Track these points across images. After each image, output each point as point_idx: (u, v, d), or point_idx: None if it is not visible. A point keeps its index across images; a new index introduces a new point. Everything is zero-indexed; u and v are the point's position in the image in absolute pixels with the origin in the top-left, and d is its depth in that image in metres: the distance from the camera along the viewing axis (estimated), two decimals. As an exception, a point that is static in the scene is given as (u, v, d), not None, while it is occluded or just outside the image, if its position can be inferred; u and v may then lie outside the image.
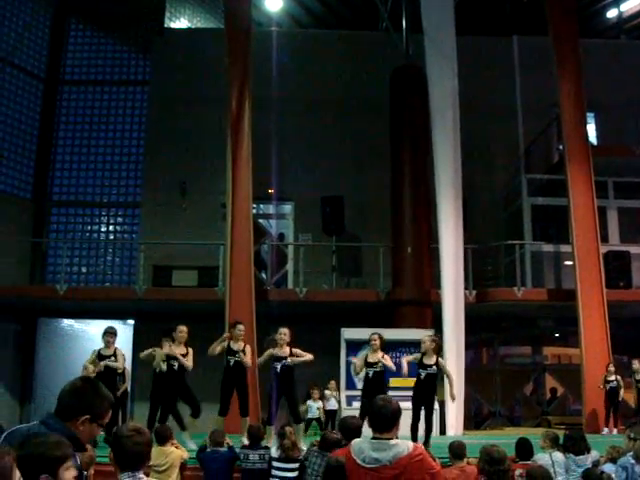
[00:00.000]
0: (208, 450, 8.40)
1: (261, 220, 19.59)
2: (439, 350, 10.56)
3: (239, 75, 15.85)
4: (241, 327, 10.52)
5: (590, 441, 8.08)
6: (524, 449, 7.35)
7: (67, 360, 18.17)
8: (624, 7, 22.72)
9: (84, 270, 20.57)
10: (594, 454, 7.84)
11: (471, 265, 16.56)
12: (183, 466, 8.38)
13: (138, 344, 18.33)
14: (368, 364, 10.45)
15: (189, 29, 23.33)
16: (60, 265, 18.84)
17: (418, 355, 10.36)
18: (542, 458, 7.57)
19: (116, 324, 19.97)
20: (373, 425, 4.15)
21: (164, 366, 10.40)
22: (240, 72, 15.87)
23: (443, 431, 13.61)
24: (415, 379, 10.30)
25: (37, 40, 21.72)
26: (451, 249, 14.89)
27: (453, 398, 10.75)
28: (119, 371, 11.25)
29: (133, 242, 20.46)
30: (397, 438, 4.16)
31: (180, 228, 18.91)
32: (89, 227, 21.36)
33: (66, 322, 20.56)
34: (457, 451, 7.25)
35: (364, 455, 4.04)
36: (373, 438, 4.11)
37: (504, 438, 10.65)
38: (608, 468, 7.12)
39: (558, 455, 7.66)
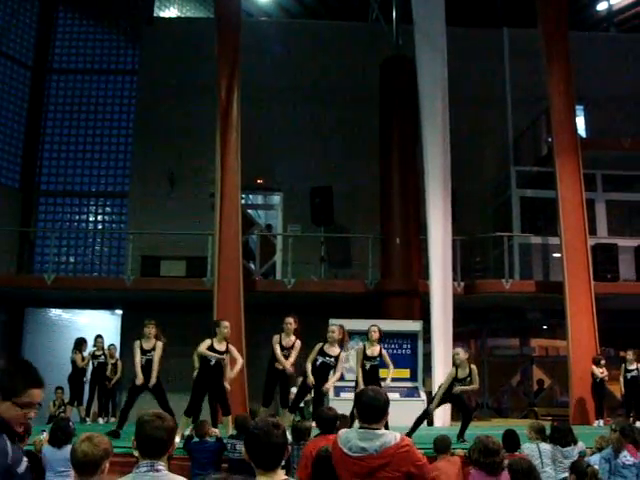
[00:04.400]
0: (195, 440, 8.38)
1: (249, 211, 19.53)
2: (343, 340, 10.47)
3: (228, 65, 15.79)
4: (290, 320, 10.25)
5: (577, 433, 8.13)
6: (511, 440, 7.39)
7: (55, 350, 18.12)
8: (614, 0, 22.74)
9: (72, 260, 20.50)
10: (580, 445, 7.90)
11: (459, 256, 16.57)
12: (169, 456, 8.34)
13: (126, 334, 18.34)
14: (367, 357, 10.31)
15: (179, 18, 23.20)
16: (48, 255, 18.82)
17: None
18: (529, 448, 7.63)
19: (104, 314, 20.16)
20: (362, 416, 4.13)
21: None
22: (229, 62, 15.81)
23: (430, 422, 13.62)
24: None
25: (25, 28, 21.56)
26: (439, 240, 14.90)
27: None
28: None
29: (121, 232, 20.38)
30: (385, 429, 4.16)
31: (169, 218, 18.83)
32: (77, 217, 21.25)
33: (54, 312, 20.51)
34: (441, 445, 7.46)
35: (350, 444, 4.04)
36: (361, 428, 4.10)
37: (491, 429, 10.68)
38: (594, 460, 7.17)
39: (545, 446, 7.71)
